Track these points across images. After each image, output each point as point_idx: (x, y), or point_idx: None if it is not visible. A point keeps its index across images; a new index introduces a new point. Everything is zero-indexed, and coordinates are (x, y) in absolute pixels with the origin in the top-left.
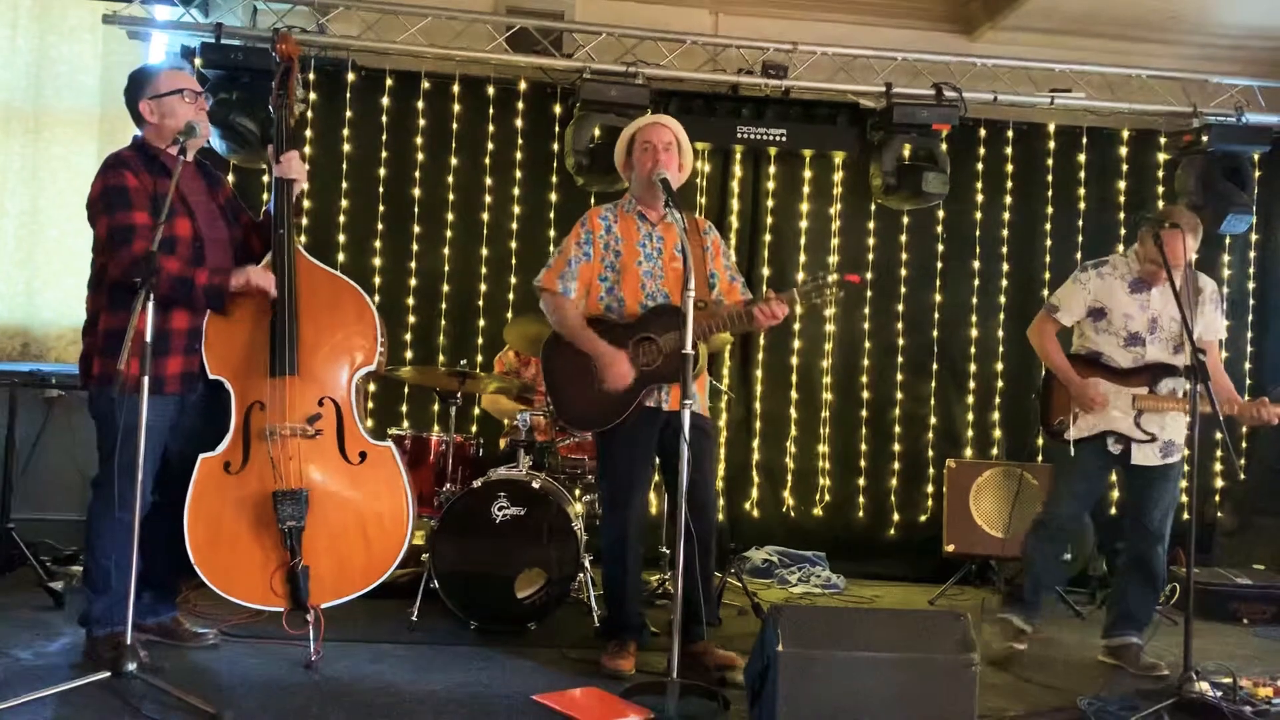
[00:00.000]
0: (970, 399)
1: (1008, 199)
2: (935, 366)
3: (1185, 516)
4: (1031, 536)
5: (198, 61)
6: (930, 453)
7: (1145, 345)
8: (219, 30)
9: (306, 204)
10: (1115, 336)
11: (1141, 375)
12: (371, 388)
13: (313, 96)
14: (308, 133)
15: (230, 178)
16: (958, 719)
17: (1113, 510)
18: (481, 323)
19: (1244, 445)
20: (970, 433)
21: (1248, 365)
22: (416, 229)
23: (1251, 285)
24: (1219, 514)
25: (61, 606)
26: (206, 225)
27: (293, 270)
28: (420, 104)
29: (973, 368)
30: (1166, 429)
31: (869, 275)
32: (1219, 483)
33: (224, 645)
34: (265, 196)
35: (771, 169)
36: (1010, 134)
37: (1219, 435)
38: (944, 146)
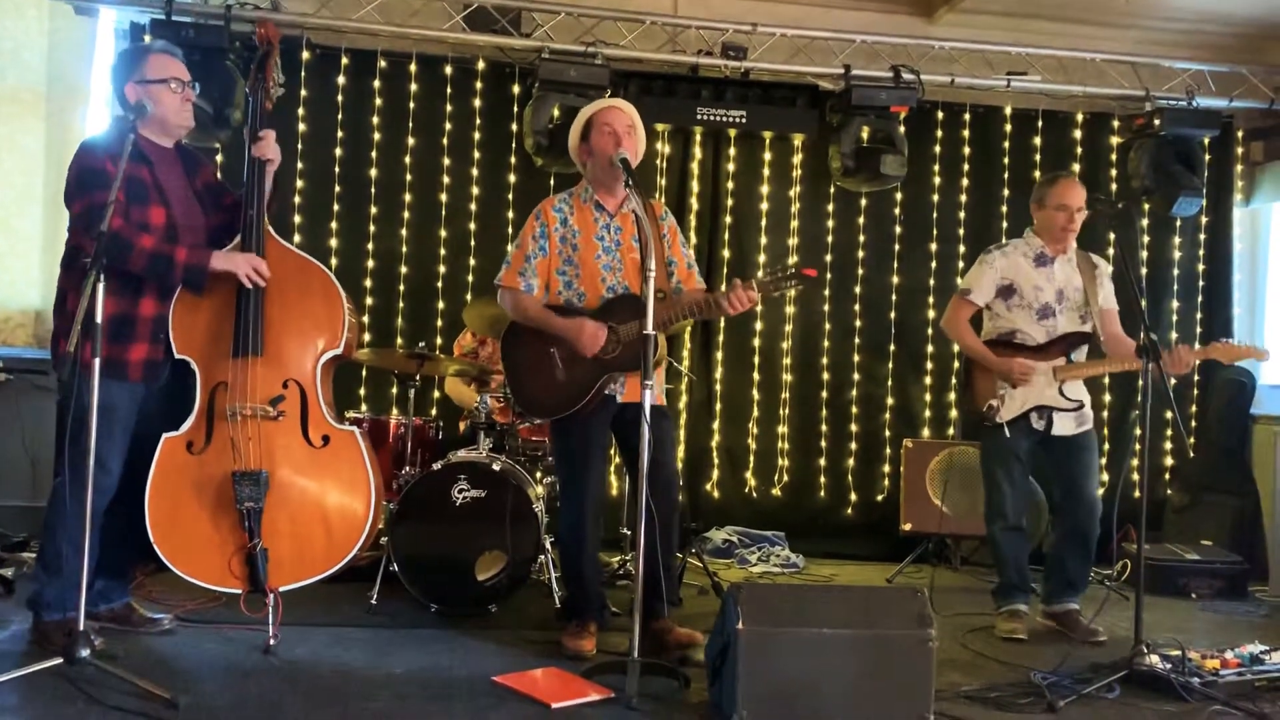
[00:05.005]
0: (927, 380)
1: (965, 181)
2: (893, 348)
3: (1136, 494)
4: (994, 529)
5: (146, 38)
6: (888, 433)
7: (1056, 317)
8: (170, 6)
9: None
10: (1028, 310)
11: (1057, 347)
12: None
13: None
14: None
15: None
16: (915, 694)
17: None
18: (440, 304)
19: (1193, 424)
20: (927, 413)
21: (1197, 347)
22: (373, 210)
23: (1201, 267)
24: (1169, 491)
25: (11, 594)
26: (182, 213)
27: (261, 251)
28: (377, 83)
29: (930, 349)
30: (1085, 396)
31: (828, 257)
32: (1169, 460)
33: (180, 630)
34: (219, 176)
35: (731, 151)
36: (967, 117)
37: (1169, 414)
38: (902, 129)
